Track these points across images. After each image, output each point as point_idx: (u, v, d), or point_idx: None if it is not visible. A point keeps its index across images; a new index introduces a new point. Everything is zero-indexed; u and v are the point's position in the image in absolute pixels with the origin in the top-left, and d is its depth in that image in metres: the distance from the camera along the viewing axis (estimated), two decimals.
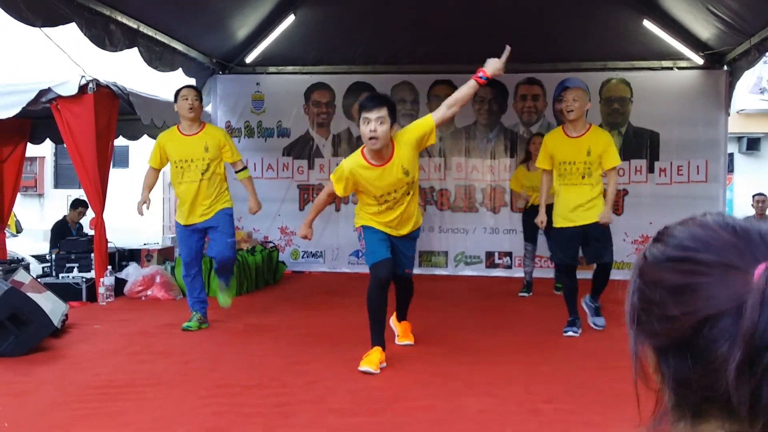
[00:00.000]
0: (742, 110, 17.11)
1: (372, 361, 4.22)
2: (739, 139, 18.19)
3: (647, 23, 8.05)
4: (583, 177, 5.14)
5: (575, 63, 8.80)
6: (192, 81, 8.84)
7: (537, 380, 4.10)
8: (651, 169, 8.62)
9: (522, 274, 7.86)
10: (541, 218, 5.40)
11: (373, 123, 4.13)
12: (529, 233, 7.25)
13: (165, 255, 7.91)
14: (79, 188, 8.32)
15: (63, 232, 8.49)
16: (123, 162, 16.46)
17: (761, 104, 17.32)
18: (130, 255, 7.84)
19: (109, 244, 7.17)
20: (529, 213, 6.92)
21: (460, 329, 5.67)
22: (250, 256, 7.71)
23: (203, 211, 5.47)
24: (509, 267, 8.98)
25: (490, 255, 9.05)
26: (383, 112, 4.15)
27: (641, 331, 0.79)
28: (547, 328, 5.62)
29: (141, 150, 14.70)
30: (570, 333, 5.28)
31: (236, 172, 5.73)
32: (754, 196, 8.95)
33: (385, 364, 4.31)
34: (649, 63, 8.72)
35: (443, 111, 4.44)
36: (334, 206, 9.26)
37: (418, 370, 4.39)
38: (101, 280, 6.70)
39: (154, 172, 5.72)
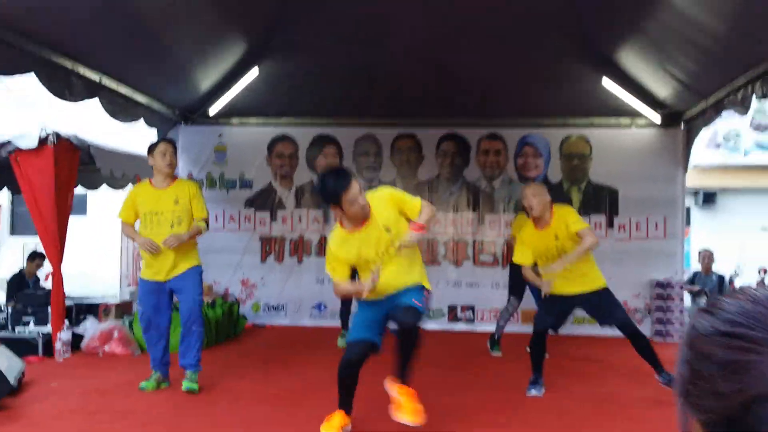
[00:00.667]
0: (698, 165, 17.56)
1: (333, 425, 4.11)
2: (696, 193, 18.64)
3: (606, 81, 8.25)
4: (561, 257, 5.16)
5: (536, 119, 8.96)
6: (153, 131, 8.79)
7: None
8: (611, 224, 8.75)
9: (487, 329, 7.83)
10: (546, 290, 5.30)
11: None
12: (517, 288, 7.05)
13: (123, 309, 7.73)
14: (36, 235, 8.13)
15: (20, 285, 8.31)
16: (81, 209, 16.17)
17: (717, 159, 17.83)
18: (87, 309, 7.65)
19: (67, 297, 6.99)
20: (516, 266, 6.53)
21: (424, 387, 5.57)
22: (211, 310, 7.56)
23: (170, 265, 5.30)
24: (471, 321, 8.96)
25: (452, 309, 9.03)
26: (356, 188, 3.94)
27: (689, 404, 0.77)
28: (513, 386, 5.59)
29: (99, 197, 14.51)
30: (533, 392, 5.25)
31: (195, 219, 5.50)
32: (700, 252, 9.11)
33: (350, 427, 4.19)
34: (608, 120, 8.92)
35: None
36: (297, 259, 9.19)
37: (380, 430, 4.29)
38: (58, 335, 6.51)
39: (129, 226, 5.51)
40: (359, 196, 3.90)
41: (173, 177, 5.50)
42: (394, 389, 4.20)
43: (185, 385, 5.29)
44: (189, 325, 5.39)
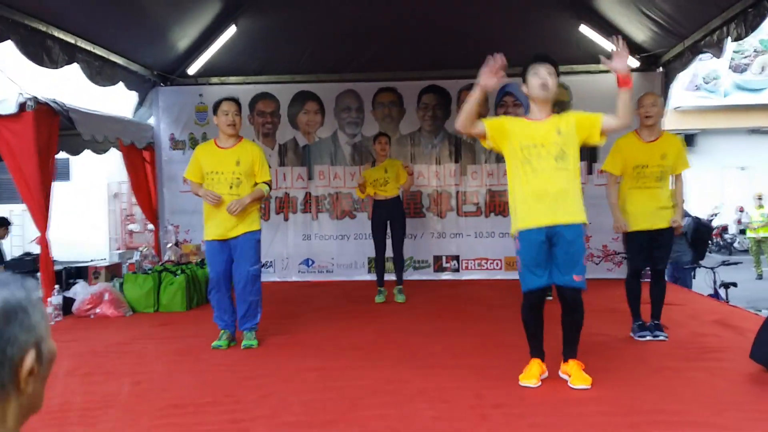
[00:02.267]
0: (678, 107, 17.70)
1: (532, 374, 4.20)
2: (676, 135, 18.79)
3: (584, 28, 8.28)
4: (658, 180, 5.24)
5: (515, 68, 8.88)
6: (134, 95, 8.76)
7: (487, 384, 4.20)
8: (590, 171, 8.86)
9: (472, 277, 7.99)
10: (619, 223, 5.35)
11: (543, 72, 4.09)
12: None
13: (113, 271, 7.80)
14: (20, 203, 8.13)
15: None
16: (64, 175, 16.13)
17: (697, 101, 17.96)
18: (77, 273, 7.73)
19: (55, 262, 7.05)
20: None
21: (411, 334, 5.75)
22: (200, 269, 7.67)
23: (231, 224, 5.26)
24: (457, 270, 9.13)
25: (437, 259, 9.19)
26: (551, 68, 4.12)
27: None
28: (497, 331, 5.76)
29: (82, 162, 14.48)
30: (648, 337, 5.32)
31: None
32: None
33: (546, 374, 4.27)
34: (587, 67, 8.96)
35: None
36: (283, 216, 9.28)
37: (370, 377, 4.45)
38: (48, 299, 6.59)
39: (197, 185, 5.41)
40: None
41: (238, 137, 5.43)
42: (567, 368, 4.25)
43: (244, 342, 5.39)
44: (245, 296, 5.38)
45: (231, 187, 5.27)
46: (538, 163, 4.03)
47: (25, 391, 1.10)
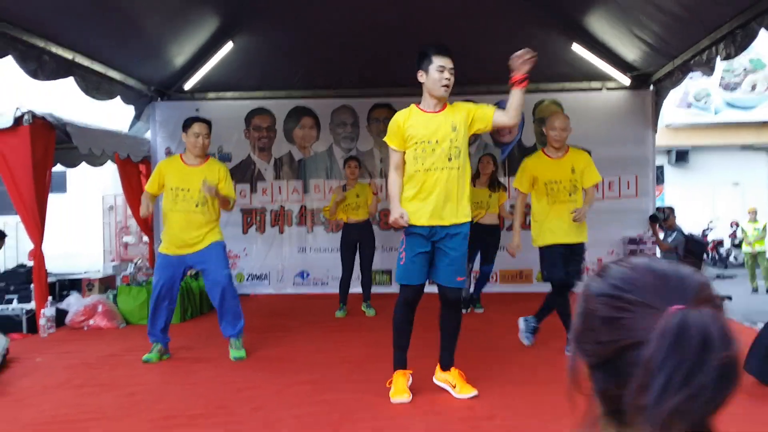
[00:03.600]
0: (670, 124, 17.84)
1: (399, 389, 4.24)
2: (668, 152, 18.94)
3: (576, 47, 8.38)
4: (570, 194, 5.34)
5: (507, 85, 9.06)
6: (131, 108, 8.82)
7: (478, 396, 4.24)
8: None
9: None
10: (516, 243, 5.48)
11: (447, 72, 4.15)
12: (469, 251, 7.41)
13: (106, 284, 7.83)
14: (14, 215, 8.14)
15: None
16: (60, 187, 16.14)
17: (688, 118, 18.09)
18: (70, 284, 7.75)
19: (49, 274, 7.07)
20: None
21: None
22: (194, 281, 7.70)
23: (193, 240, 5.35)
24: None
25: None
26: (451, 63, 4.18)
27: (579, 349, 0.97)
28: (488, 343, 5.80)
29: (79, 174, 14.50)
30: None
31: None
32: (658, 209, 9.24)
33: (410, 381, 4.35)
34: (579, 84, 9.08)
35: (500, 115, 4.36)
36: (278, 229, 9.33)
37: (362, 390, 4.48)
38: (42, 311, 6.61)
39: (151, 196, 5.50)
40: None
41: (205, 156, 5.53)
42: (444, 375, 4.36)
43: (233, 354, 5.44)
44: (224, 302, 5.44)
45: (197, 205, 5.35)
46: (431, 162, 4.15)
47: None
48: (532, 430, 3.67)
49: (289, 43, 8.52)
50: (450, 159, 4.12)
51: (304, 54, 8.69)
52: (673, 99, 15.91)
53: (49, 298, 6.79)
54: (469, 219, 4.29)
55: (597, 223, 8.66)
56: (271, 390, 4.52)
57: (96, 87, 7.42)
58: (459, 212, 4.22)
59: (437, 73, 4.13)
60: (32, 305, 6.86)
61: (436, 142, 4.13)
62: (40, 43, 6.30)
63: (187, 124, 5.45)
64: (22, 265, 8.44)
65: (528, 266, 8.66)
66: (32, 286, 6.90)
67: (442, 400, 4.21)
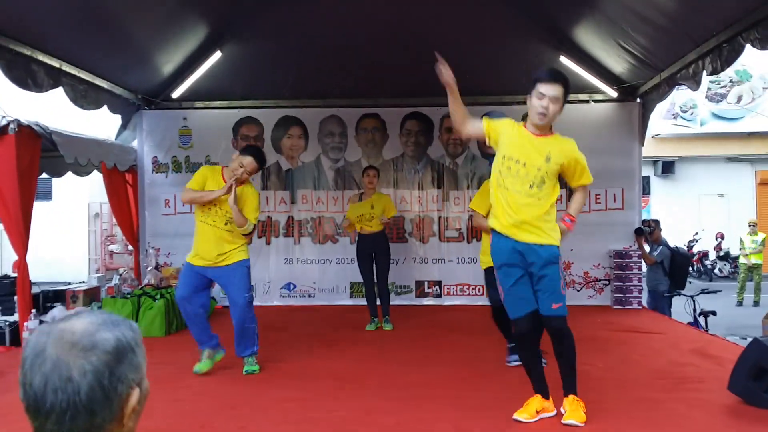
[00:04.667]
0: (656, 135, 17.95)
1: (528, 410, 4.12)
2: (655, 162, 19.06)
3: (564, 59, 8.41)
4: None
5: (496, 96, 9.08)
6: (117, 118, 8.77)
7: (466, 416, 4.22)
8: (571, 197, 8.93)
9: (454, 302, 8.06)
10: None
11: (546, 100, 3.90)
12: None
13: (91, 295, 7.75)
14: None
15: None
16: (46, 195, 16.02)
17: (675, 129, 18.22)
18: (55, 296, 7.66)
19: (33, 284, 6.98)
20: None
21: (391, 362, 5.76)
22: None
23: (217, 259, 5.34)
24: (438, 296, 9.17)
25: (420, 284, 9.22)
26: (560, 91, 3.93)
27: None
28: (477, 359, 5.78)
29: (64, 182, 14.38)
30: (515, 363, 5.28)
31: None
32: (644, 222, 9.26)
33: (551, 413, 4.15)
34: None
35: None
36: (265, 239, 9.28)
37: (349, 407, 4.44)
38: (25, 324, 6.52)
39: (197, 192, 5.40)
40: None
41: (243, 182, 5.50)
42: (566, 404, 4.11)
43: (247, 368, 5.43)
44: (242, 324, 5.41)
45: (226, 224, 5.34)
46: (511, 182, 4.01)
47: (126, 425, 1.17)
48: None
49: (278, 52, 8.50)
50: (531, 186, 3.96)
51: (292, 63, 8.67)
52: (659, 110, 16.00)
53: (33, 310, 6.69)
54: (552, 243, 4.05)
55: (584, 236, 8.73)
56: (257, 407, 4.47)
57: (83, 96, 7.37)
58: (540, 236, 4.02)
59: (536, 99, 3.93)
60: (16, 317, 6.77)
61: (524, 165, 3.97)
62: (27, 52, 6.24)
63: (244, 151, 5.47)
64: (5, 276, 8.36)
65: None
66: (16, 297, 6.80)
67: (428, 418, 4.18)
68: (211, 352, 5.51)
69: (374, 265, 7.41)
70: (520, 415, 4.06)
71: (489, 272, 5.28)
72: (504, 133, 4.08)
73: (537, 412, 4.08)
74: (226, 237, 5.36)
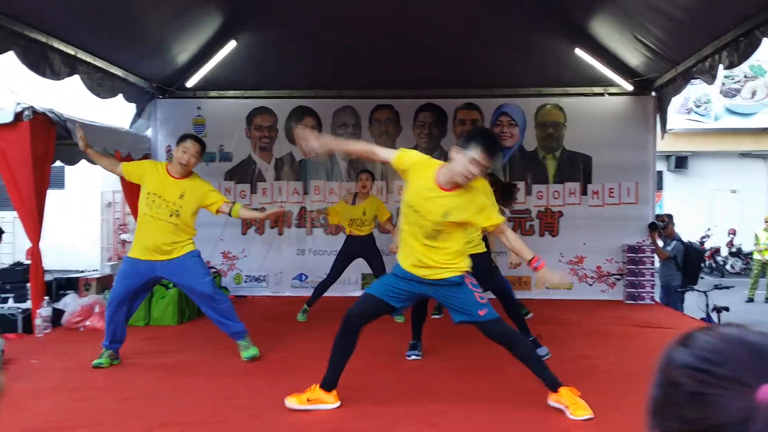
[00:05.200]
0: (670, 129, 17.78)
1: (300, 398, 4.24)
2: (668, 157, 18.93)
3: (579, 51, 8.36)
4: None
5: (511, 89, 9.07)
6: (132, 107, 8.79)
7: (476, 408, 4.22)
8: (584, 192, 8.94)
9: None
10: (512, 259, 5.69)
11: (477, 168, 3.84)
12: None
13: (104, 284, 7.77)
14: (11, 210, 8.10)
15: None
16: (59, 183, 16.09)
17: (688, 124, 18.09)
18: (67, 284, 7.69)
19: (46, 272, 7.01)
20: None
21: (399, 355, 5.73)
22: None
23: (166, 247, 5.29)
24: None
25: None
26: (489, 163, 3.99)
27: (657, 424, 0.90)
28: (484, 352, 5.76)
29: (77, 171, 14.45)
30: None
31: (230, 214, 5.51)
32: (657, 216, 9.20)
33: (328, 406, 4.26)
34: (582, 89, 9.05)
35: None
36: (277, 230, 9.30)
37: (358, 399, 4.44)
38: (38, 311, 6.56)
39: (117, 170, 5.59)
40: None
41: (191, 173, 5.48)
42: (555, 397, 4.13)
43: (244, 354, 5.44)
44: (214, 307, 5.42)
45: (171, 216, 5.30)
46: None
47: None
48: None
49: (293, 42, 8.48)
50: (428, 237, 4.00)
51: (307, 54, 8.66)
52: (673, 104, 15.91)
53: (46, 297, 6.73)
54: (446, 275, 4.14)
55: (597, 230, 8.74)
56: (267, 398, 4.46)
57: (99, 84, 7.40)
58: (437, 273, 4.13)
59: (468, 162, 3.81)
60: (28, 305, 6.81)
61: (422, 215, 3.99)
62: (43, 39, 6.26)
63: (181, 138, 5.45)
64: (19, 263, 8.40)
65: (527, 273, 8.62)
66: (29, 285, 6.84)
67: (437, 410, 4.18)
68: (113, 355, 5.43)
69: (368, 266, 7.44)
70: (290, 401, 4.17)
71: (484, 259, 5.36)
72: (414, 173, 4.06)
73: (309, 401, 4.19)
74: (171, 229, 5.30)
